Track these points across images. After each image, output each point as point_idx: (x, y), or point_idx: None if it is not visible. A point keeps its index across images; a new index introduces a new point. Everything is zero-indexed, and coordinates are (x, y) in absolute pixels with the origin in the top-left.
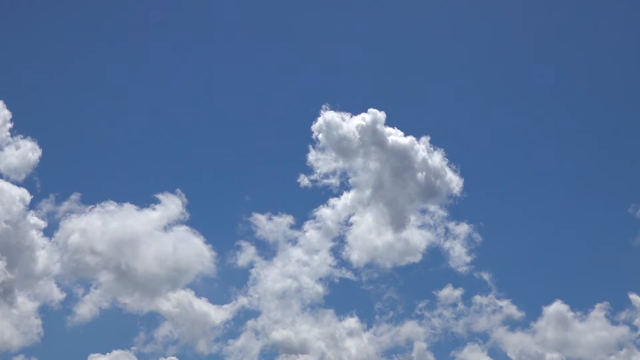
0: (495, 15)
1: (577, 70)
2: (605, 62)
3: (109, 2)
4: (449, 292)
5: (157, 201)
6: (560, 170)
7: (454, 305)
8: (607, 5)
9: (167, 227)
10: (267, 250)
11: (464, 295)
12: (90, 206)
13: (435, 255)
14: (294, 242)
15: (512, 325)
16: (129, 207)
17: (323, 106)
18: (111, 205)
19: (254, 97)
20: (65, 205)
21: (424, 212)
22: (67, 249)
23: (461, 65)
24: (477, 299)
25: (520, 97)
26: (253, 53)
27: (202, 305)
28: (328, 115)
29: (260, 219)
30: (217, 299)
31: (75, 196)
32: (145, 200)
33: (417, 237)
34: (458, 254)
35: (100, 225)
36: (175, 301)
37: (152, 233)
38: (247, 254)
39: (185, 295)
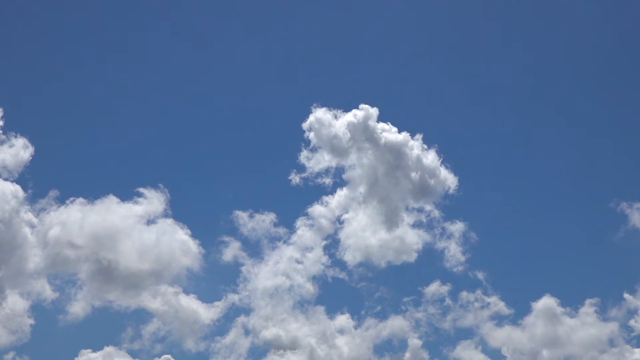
0: (493, 13)
1: (568, 69)
2: (594, 62)
3: (100, 2)
4: (442, 290)
5: (140, 194)
6: (552, 167)
7: (442, 300)
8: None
9: (150, 221)
10: (258, 248)
11: (454, 292)
12: (84, 202)
13: (429, 253)
14: (286, 240)
15: (506, 322)
16: (123, 204)
17: (314, 103)
18: (108, 203)
19: (244, 95)
20: (57, 202)
21: (419, 210)
22: (60, 246)
23: (455, 62)
24: (472, 296)
25: (514, 96)
26: (243, 50)
27: (191, 303)
28: (319, 113)
29: (249, 217)
30: (207, 297)
31: (66, 193)
32: (130, 195)
33: (411, 236)
34: (452, 252)
35: (90, 221)
36: (164, 298)
37: (137, 227)
38: (236, 251)
39: (173, 292)
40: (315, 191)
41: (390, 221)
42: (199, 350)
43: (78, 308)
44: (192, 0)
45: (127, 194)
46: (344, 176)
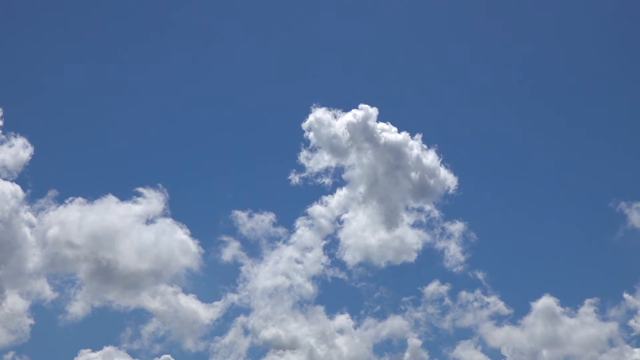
0: (493, 13)
1: (568, 69)
2: (594, 62)
3: (100, 2)
4: (441, 290)
5: (139, 194)
6: (552, 167)
7: (441, 300)
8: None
9: (150, 221)
10: (258, 248)
11: (454, 291)
12: (83, 202)
13: (428, 253)
14: (285, 240)
15: (505, 322)
16: (122, 204)
17: (314, 103)
18: (107, 202)
19: (244, 95)
20: (57, 202)
21: (419, 210)
22: (59, 246)
23: (455, 62)
24: (471, 296)
25: (514, 96)
26: (243, 50)
27: (190, 303)
28: (319, 113)
29: (249, 217)
30: (206, 297)
31: (66, 193)
32: (129, 195)
33: (411, 236)
34: (452, 252)
35: (90, 221)
36: (163, 298)
37: (136, 227)
38: (236, 251)
39: (173, 292)
40: (315, 191)
41: (390, 221)
42: (198, 350)
43: (77, 308)
44: (192, 0)
45: (126, 194)
46: (344, 176)
